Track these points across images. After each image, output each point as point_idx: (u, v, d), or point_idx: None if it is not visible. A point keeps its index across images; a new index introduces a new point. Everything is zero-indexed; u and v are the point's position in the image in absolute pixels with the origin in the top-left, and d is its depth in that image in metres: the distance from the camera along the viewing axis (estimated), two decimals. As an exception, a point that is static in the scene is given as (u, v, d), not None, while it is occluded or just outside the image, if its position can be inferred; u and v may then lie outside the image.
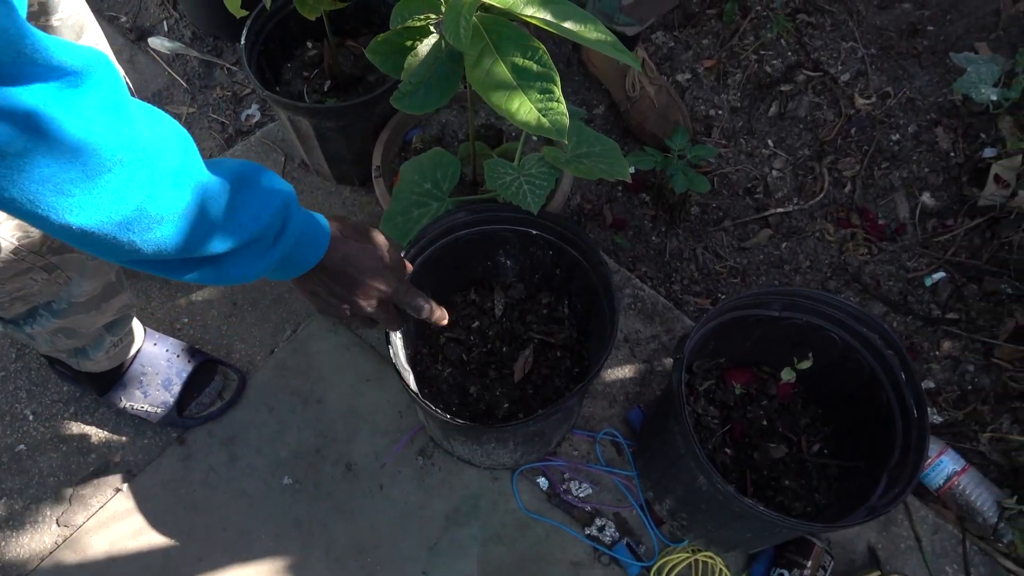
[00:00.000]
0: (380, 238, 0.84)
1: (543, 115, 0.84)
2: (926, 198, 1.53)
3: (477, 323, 1.23)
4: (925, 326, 1.41)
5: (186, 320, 1.37)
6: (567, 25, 0.86)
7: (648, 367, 1.31)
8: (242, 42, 1.34)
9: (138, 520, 1.20)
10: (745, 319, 1.08)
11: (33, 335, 1.05)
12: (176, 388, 1.25)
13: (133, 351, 1.23)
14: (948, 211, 1.51)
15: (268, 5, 1.24)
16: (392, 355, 0.99)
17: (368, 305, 0.83)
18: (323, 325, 1.36)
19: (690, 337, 1.00)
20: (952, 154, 1.57)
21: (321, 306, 0.83)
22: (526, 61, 0.88)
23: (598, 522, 1.19)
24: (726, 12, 1.71)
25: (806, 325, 1.08)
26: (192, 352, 1.28)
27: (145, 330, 1.27)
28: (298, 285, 0.80)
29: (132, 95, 0.62)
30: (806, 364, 1.10)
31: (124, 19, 1.81)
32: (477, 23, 0.89)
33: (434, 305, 0.90)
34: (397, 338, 1.03)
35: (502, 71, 0.87)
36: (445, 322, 0.94)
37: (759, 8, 1.77)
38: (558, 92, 0.84)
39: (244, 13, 1.12)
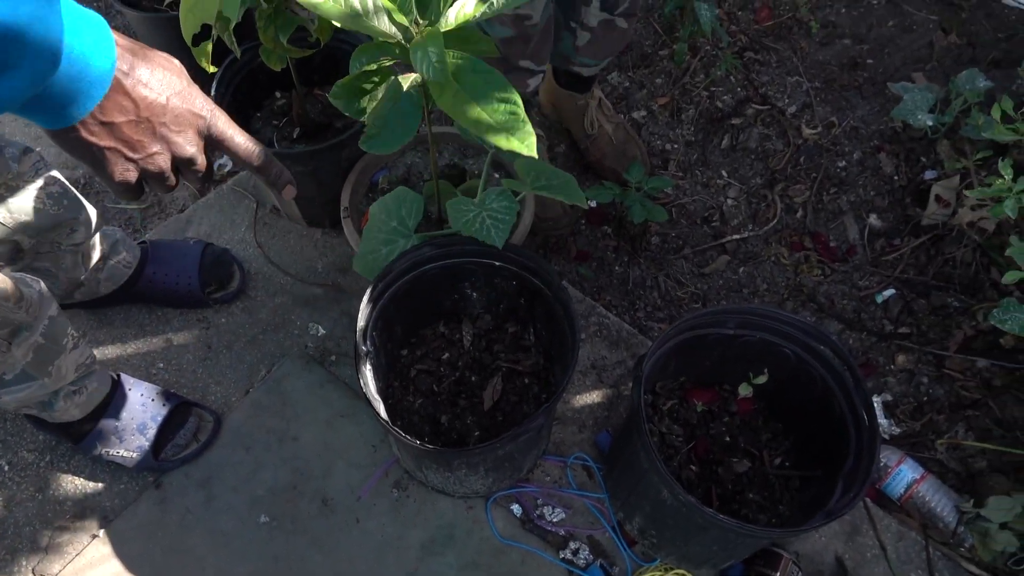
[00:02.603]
0: (164, 54, 0.62)
1: (511, 133, 0.88)
2: (873, 220, 1.60)
3: (447, 354, 1.27)
4: (879, 341, 1.46)
5: (161, 365, 1.39)
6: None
7: (615, 392, 1.35)
8: (211, 94, 1.39)
9: (115, 565, 1.21)
10: (703, 338, 1.13)
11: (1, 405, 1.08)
12: (151, 432, 1.26)
13: (103, 396, 1.25)
14: (894, 231, 1.59)
15: (238, 54, 1.29)
16: (363, 386, 1.02)
17: (185, 141, 0.62)
18: (297, 364, 1.39)
19: (648, 356, 1.04)
20: (895, 177, 1.65)
21: (113, 156, 0.59)
22: (490, 87, 0.93)
23: (572, 545, 1.21)
24: (677, 52, 1.80)
25: (760, 342, 1.13)
26: (167, 395, 1.30)
27: (119, 376, 1.29)
28: (80, 127, 0.55)
29: None
30: (762, 379, 1.15)
31: (97, 77, 1.86)
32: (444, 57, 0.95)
33: (261, 146, 0.69)
34: (367, 369, 1.06)
35: (468, 100, 0.92)
36: (289, 190, 0.73)
37: (708, 48, 1.87)
38: (522, 112, 0.88)
39: (214, 69, 1.18)
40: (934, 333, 1.45)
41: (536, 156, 0.86)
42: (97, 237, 1.31)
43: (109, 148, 0.58)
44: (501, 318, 1.29)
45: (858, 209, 1.63)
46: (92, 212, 1.27)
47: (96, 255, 1.32)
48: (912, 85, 1.68)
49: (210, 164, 0.67)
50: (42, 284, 1.11)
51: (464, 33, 0.94)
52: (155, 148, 0.60)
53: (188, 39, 1.14)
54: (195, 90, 0.62)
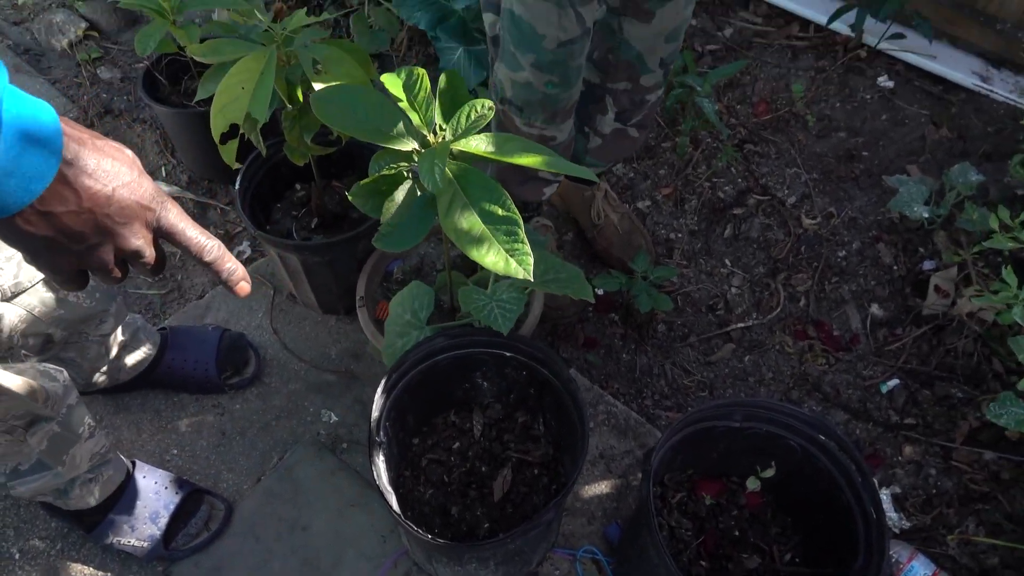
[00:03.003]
0: (115, 143, 0.61)
1: (511, 255, 0.93)
2: (875, 309, 1.64)
3: (457, 444, 1.28)
4: (886, 432, 1.48)
5: (175, 451, 1.41)
6: (527, 156, 0.98)
7: (624, 482, 1.36)
8: (236, 187, 1.46)
9: (121, 658, 1.20)
10: (710, 431, 1.15)
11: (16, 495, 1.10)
12: (163, 521, 1.27)
13: (118, 484, 1.26)
14: (896, 321, 1.62)
15: (264, 152, 1.36)
16: (376, 477, 1.04)
17: (131, 234, 0.60)
18: (309, 451, 1.40)
19: (657, 450, 1.06)
20: (895, 267, 1.69)
21: (51, 246, 0.56)
22: (492, 206, 0.99)
23: (582, 640, 1.20)
24: (679, 145, 1.87)
25: (766, 434, 1.14)
26: (180, 483, 1.32)
27: (134, 463, 1.31)
28: (16, 216, 0.54)
29: None
30: (769, 472, 1.16)
31: (123, 166, 1.94)
32: (449, 174, 1.00)
33: (215, 240, 0.66)
34: (380, 459, 1.08)
35: (472, 218, 0.97)
36: (242, 287, 0.69)
37: (709, 140, 1.95)
38: (522, 234, 0.93)
39: (239, 165, 1.24)
40: (940, 424, 1.46)
41: (532, 279, 0.90)
42: (120, 327, 1.35)
43: (47, 238, 0.56)
44: (511, 407, 1.31)
45: (860, 298, 1.66)
46: (120, 302, 1.32)
47: (118, 344, 1.36)
48: (907, 178, 1.74)
49: (162, 255, 0.65)
50: (65, 374, 1.14)
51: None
52: (96, 240, 0.58)
53: (217, 138, 1.21)
54: (146, 180, 0.61)
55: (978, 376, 1.49)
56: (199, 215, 1.84)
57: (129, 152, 0.61)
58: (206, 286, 1.71)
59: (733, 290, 1.70)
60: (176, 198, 1.86)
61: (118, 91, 2.12)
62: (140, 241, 0.61)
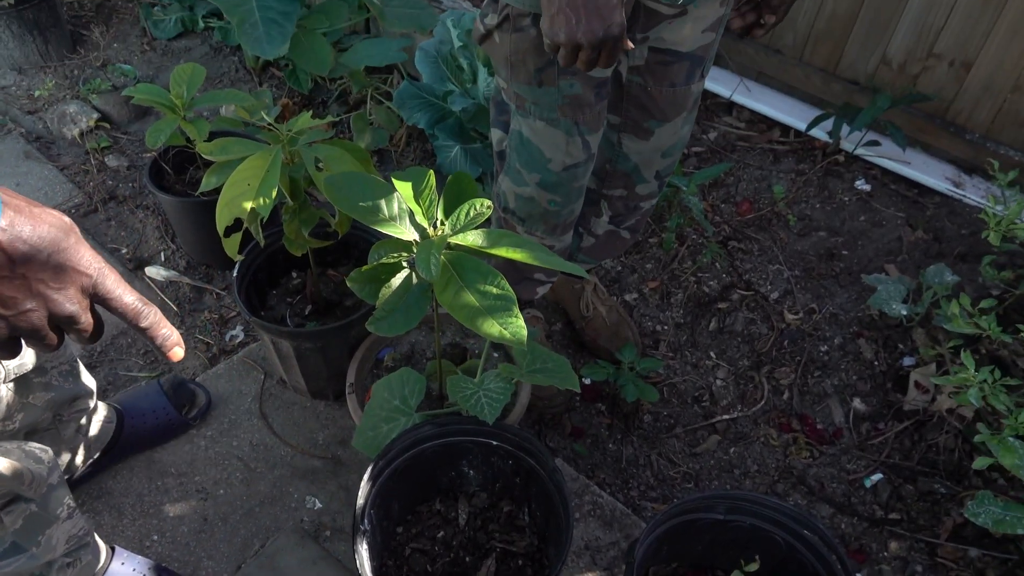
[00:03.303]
0: (54, 211, 0.62)
1: (504, 328, 0.97)
2: (857, 403, 1.66)
3: (442, 533, 1.28)
4: (871, 527, 1.47)
5: (156, 537, 1.39)
6: (520, 252, 1.02)
7: (610, 574, 1.34)
8: (235, 274, 1.50)
9: None
10: (694, 523, 1.15)
11: None
12: (140, 608, 1.25)
13: (95, 570, 1.24)
14: (878, 415, 1.64)
15: (262, 243, 1.41)
16: (359, 566, 1.03)
17: (65, 299, 0.61)
18: (291, 538, 1.39)
19: (640, 541, 1.06)
20: (876, 363, 1.73)
21: None
22: (487, 286, 1.03)
23: None
24: (665, 241, 1.94)
25: (750, 528, 1.15)
26: (159, 571, 1.29)
27: (113, 548, 1.29)
28: None
29: None
30: (754, 566, 1.15)
31: (125, 251, 1.99)
32: (445, 260, 1.05)
33: (152, 307, 0.67)
34: (364, 549, 1.08)
35: (468, 297, 1.01)
36: (176, 352, 0.69)
37: (694, 236, 2.02)
38: (516, 309, 0.98)
39: (241, 257, 1.29)
40: (924, 519, 1.46)
41: (525, 347, 0.94)
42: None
43: None
44: (496, 496, 1.31)
45: (842, 392, 1.69)
46: (93, 381, 1.35)
47: (85, 418, 1.37)
48: (885, 277, 1.80)
49: (99, 322, 0.66)
50: (50, 453, 1.15)
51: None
52: (29, 305, 0.59)
53: (221, 231, 1.26)
54: (83, 247, 0.62)
55: (960, 472, 1.50)
56: (195, 299, 1.88)
57: (67, 219, 0.62)
58: (196, 369, 1.73)
59: (718, 382, 1.73)
60: (173, 282, 1.91)
61: (124, 178, 2.19)
62: (75, 307, 0.61)
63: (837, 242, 2.02)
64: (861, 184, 2.18)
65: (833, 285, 1.91)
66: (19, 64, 2.57)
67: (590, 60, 0.97)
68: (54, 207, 2.04)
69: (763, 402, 1.68)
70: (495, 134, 1.47)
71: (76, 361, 1.31)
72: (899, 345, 1.75)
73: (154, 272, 1.91)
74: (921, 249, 1.98)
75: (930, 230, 2.03)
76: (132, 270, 1.93)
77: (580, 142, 1.24)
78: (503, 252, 1.04)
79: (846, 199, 2.14)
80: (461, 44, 1.94)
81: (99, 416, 1.42)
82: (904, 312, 1.70)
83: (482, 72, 1.90)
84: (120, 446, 1.47)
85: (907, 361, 1.69)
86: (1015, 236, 1.42)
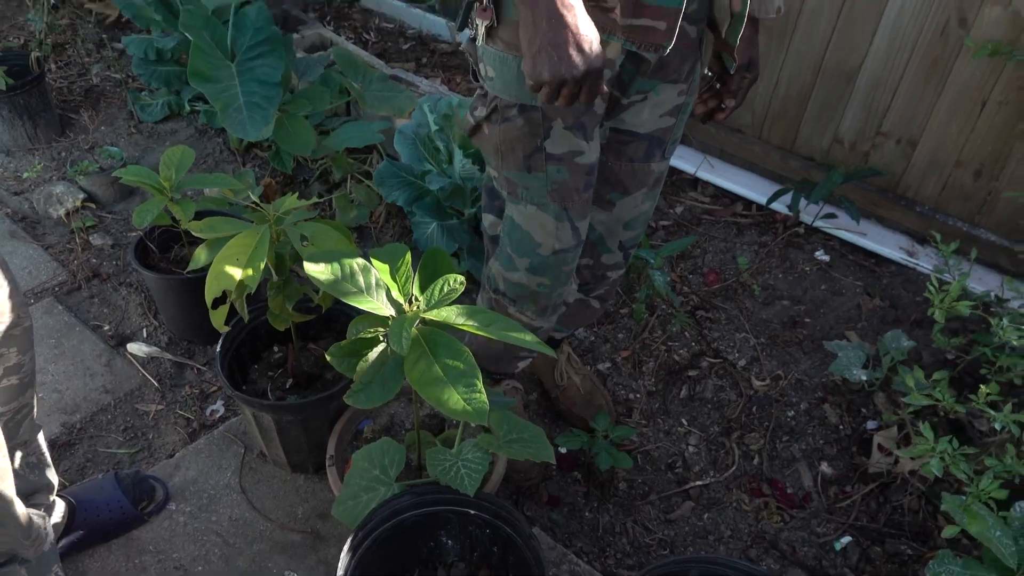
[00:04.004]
0: None
1: (467, 403, 1.02)
2: (825, 467, 1.72)
3: (421, 604, 1.29)
4: (843, 590, 1.50)
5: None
6: (491, 329, 1.08)
7: (588, 644, 1.35)
8: (218, 349, 1.54)
9: None
10: (667, 588, 1.18)
11: None
12: None
13: None
14: (845, 478, 1.69)
15: (246, 317, 1.46)
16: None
17: None
18: (270, 615, 1.39)
19: (615, 607, 1.09)
20: (841, 427, 1.79)
21: None
22: (455, 362, 1.09)
23: None
24: (636, 311, 2.01)
25: (723, 592, 1.18)
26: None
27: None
28: None
29: None
30: (727, 630, 1.18)
31: (107, 327, 2.02)
32: (417, 334, 1.11)
33: None
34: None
35: (435, 370, 1.07)
36: None
37: (664, 307, 2.10)
38: (479, 384, 1.03)
39: (227, 328, 1.33)
40: (894, 581, 1.50)
41: (485, 422, 1.00)
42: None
43: None
44: (475, 566, 1.33)
45: (810, 456, 1.74)
46: (56, 478, 1.36)
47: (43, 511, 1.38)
48: (845, 343, 1.88)
49: None
50: (47, 519, 1.16)
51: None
52: None
53: (209, 302, 1.31)
54: None
55: (925, 532, 1.54)
56: (176, 375, 1.90)
57: None
58: (176, 444, 1.74)
59: (690, 448, 1.77)
60: (155, 358, 1.93)
61: (108, 256, 2.24)
62: None
63: (800, 310, 2.11)
64: (820, 255, 2.29)
65: (797, 352, 1.98)
66: (7, 147, 2.64)
67: (572, 95, 1.01)
68: (37, 285, 2.08)
69: (734, 467, 1.73)
70: (487, 219, 1.55)
71: (44, 454, 1.33)
72: (862, 409, 1.81)
73: (136, 348, 1.94)
74: (879, 316, 2.07)
75: (887, 297, 2.13)
76: (114, 347, 1.96)
77: (569, 227, 1.30)
78: (473, 328, 1.10)
79: (807, 269, 2.24)
80: (437, 128, 2.05)
81: (58, 511, 1.42)
82: (864, 377, 1.77)
83: (458, 153, 2.00)
84: (77, 543, 1.46)
85: (870, 424, 1.76)
86: (958, 313, 1.51)
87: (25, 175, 2.52)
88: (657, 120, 1.32)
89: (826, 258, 2.28)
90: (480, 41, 1.19)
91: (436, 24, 3.31)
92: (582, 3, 1.00)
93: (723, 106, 1.31)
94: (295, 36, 2.94)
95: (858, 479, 1.68)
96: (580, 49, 0.98)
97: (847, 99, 2.26)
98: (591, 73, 1.00)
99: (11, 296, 1.15)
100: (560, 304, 1.47)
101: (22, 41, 3.20)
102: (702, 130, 2.59)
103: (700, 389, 1.89)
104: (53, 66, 3.08)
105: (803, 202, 2.30)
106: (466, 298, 1.26)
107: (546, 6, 0.97)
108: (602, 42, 1.03)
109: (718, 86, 1.31)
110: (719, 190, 2.55)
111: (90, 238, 2.29)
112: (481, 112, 1.25)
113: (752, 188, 2.51)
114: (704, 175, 2.58)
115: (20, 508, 1.05)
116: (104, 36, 3.25)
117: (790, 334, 2.03)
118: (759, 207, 2.45)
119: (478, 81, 1.27)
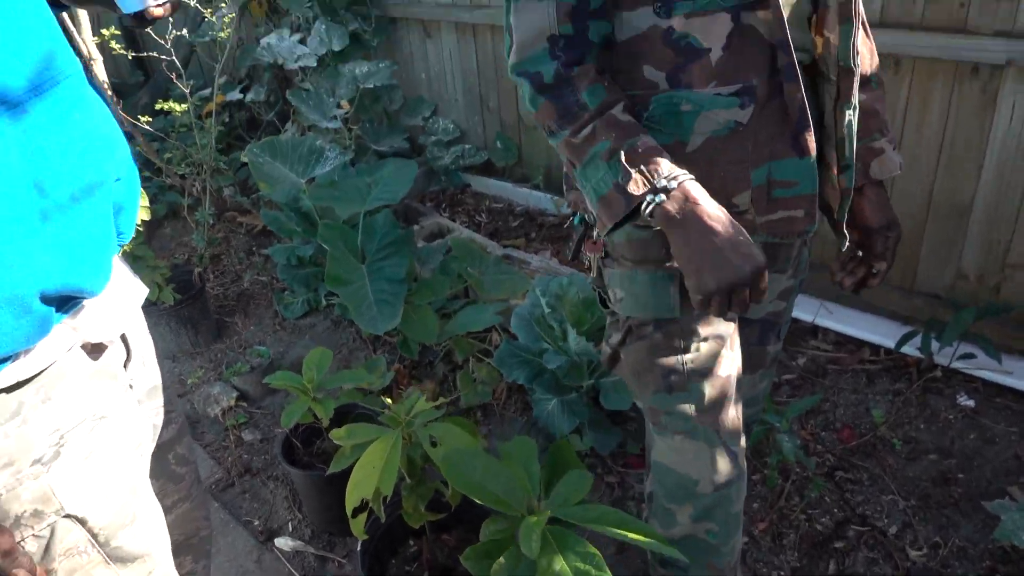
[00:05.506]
0: None
1: None
2: (1008, 652, 1.53)
3: None
4: None
5: None
6: (623, 532, 1.10)
7: None
8: (359, 548, 1.62)
9: None
10: None
11: None
12: None
13: None
14: (1036, 665, 1.50)
15: (383, 518, 1.54)
16: None
17: None
18: None
19: None
20: (1020, 602, 1.61)
21: None
22: (585, 565, 1.10)
23: None
24: (768, 478, 1.95)
25: None
26: None
27: None
28: None
29: None
30: None
31: (257, 522, 2.16)
32: (547, 534, 1.14)
33: None
34: None
35: (564, 570, 1.09)
36: None
37: (799, 470, 2.01)
38: None
39: (367, 536, 1.41)
40: None
41: None
42: None
43: None
44: None
45: (988, 639, 1.57)
46: None
47: None
48: (1009, 503, 1.72)
49: None
50: None
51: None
52: None
53: (350, 512, 1.41)
54: None
55: None
56: (319, 567, 1.99)
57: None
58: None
59: (848, 632, 1.64)
60: (299, 552, 2.03)
61: (257, 451, 2.43)
62: None
63: (950, 464, 1.96)
64: (964, 400, 2.15)
65: (955, 514, 1.83)
66: (173, 353, 2.98)
67: (743, 301, 0.98)
68: (198, 484, 2.27)
69: (901, 653, 1.57)
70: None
71: None
72: (1042, 579, 1.63)
73: (283, 543, 2.05)
74: (1045, 466, 1.90)
75: (1050, 444, 1.96)
76: (263, 542, 2.08)
77: (726, 453, 1.19)
78: (604, 529, 1.12)
79: (951, 417, 2.11)
80: (550, 309, 2.16)
81: None
82: (1037, 542, 1.60)
83: (571, 331, 2.08)
84: None
85: (1055, 598, 1.57)
86: None
87: (189, 381, 2.82)
88: (767, 305, 1.35)
89: (971, 403, 2.14)
90: (601, 268, 1.20)
91: (542, 199, 3.54)
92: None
93: (874, 271, 1.24)
94: (415, 228, 3.23)
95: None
96: (738, 251, 0.96)
97: (963, 237, 2.21)
98: (757, 270, 0.97)
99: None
100: (734, 566, 1.29)
101: (186, 256, 3.68)
102: (817, 276, 2.57)
103: (850, 563, 1.77)
104: (211, 276, 3.50)
105: (934, 344, 2.20)
106: (592, 473, 1.27)
107: (695, 222, 0.96)
108: None
109: (859, 253, 1.25)
110: (841, 336, 2.48)
111: (242, 434, 2.50)
112: (616, 338, 1.22)
113: (876, 331, 2.43)
114: (823, 322, 2.53)
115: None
116: (253, 245, 3.68)
117: (943, 493, 1.89)
118: (887, 351, 2.36)
119: (607, 308, 1.25)
